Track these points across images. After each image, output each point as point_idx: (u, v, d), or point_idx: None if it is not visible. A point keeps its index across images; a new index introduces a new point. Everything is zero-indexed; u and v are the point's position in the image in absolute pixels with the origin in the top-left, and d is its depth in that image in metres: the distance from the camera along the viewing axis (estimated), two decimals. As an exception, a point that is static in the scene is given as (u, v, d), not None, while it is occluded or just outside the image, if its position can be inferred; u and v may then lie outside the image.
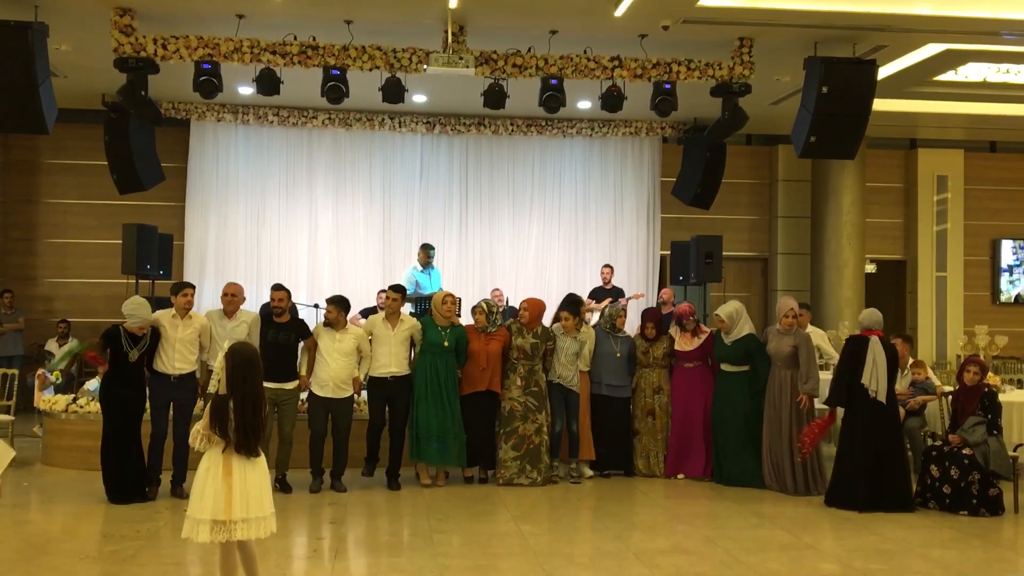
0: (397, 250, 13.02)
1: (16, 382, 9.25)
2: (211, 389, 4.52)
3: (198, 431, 4.38)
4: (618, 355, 8.43)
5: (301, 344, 7.91)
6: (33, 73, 8.10)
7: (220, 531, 4.31)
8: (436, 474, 8.03)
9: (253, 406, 4.35)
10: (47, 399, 8.89)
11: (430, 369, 7.91)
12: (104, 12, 8.69)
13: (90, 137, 12.03)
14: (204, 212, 12.75)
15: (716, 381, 8.36)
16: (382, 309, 10.53)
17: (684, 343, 8.52)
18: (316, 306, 10.02)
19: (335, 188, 12.98)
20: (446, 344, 7.95)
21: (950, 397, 8.20)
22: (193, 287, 7.58)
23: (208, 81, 9.04)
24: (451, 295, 8.25)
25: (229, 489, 4.31)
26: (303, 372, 7.76)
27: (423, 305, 9.91)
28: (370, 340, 7.96)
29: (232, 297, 7.62)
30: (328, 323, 7.80)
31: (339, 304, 7.83)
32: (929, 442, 8.02)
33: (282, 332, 7.56)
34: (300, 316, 11.19)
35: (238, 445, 4.32)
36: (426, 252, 11.22)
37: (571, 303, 8.39)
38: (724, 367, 8.31)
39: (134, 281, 10.99)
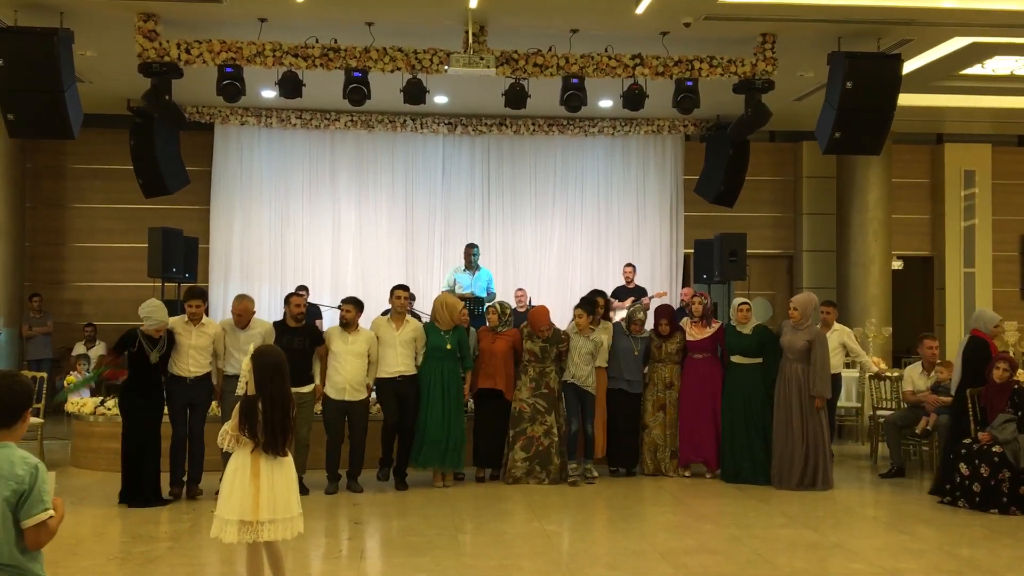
0: (420, 251, 13.05)
1: (45, 385, 9.34)
2: (239, 391, 4.55)
3: (227, 432, 4.41)
4: (636, 352, 8.42)
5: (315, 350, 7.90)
6: (59, 79, 8.19)
7: (247, 532, 4.34)
8: (445, 475, 8.06)
9: (281, 406, 4.38)
10: (75, 402, 8.99)
11: (435, 374, 7.92)
12: (128, 18, 8.76)
13: (116, 142, 12.15)
14: (228, 215, 12.84)
15: (727, 374, 8.33)
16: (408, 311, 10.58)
17: (695, 332, 8.49)
18: (339, 307, 10.06)
19: (358, 190, 13.03)
20: (449, 347, 7.97)
21: (979, 395, 8.11)
22: (201, 299, 7.51)
23: (231, 85, 9.09)
24: (461, 302, 8.26)
25: (257, 490, 4.34)
26: (317, 381, 7.77)
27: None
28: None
29: (239, 317, 7.58)
30: (345, 323, 7.82)
31: (356, 304, 7.88)
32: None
33: (296, 338, 7.54)
34: (323, 317, 11.33)
35: (266, 445, 4.35)
36: (467, 252, 11.20)
37: (586, 301, 8.39)
38: (736, 359, 8.27)
39: (160, 284, 11.08)
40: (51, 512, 2.91)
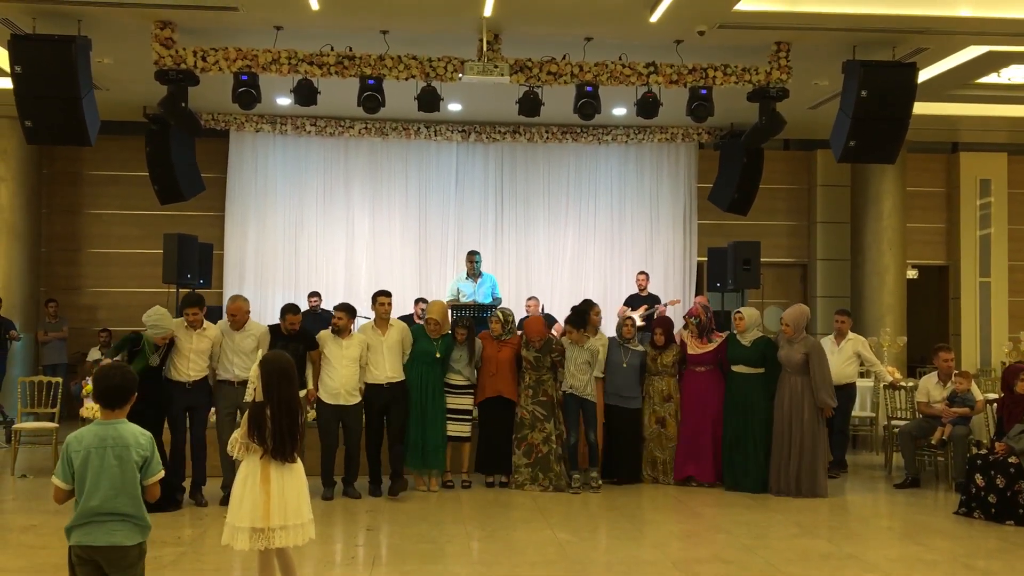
0: (433, 258, 13.07)
1: (60, 390, 9.40)
2: (247, 398, 4.58)
3: (236, 440, 4.43)
4: (624, 365, 8.41)
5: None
6: (76, 86, 8.25)
7: (259, 538, 4.34)
8: (430, 479, 8.16)
9: (289, 412, 4.39)
10: (90, 407, 9.03)
11: (420, 379, 8.05)
12: (145, 25, 8.83)
13: (132, 148, 12.23)
14: (243, 221, 12.89)
15: (728, 384, 8.31)
16: (419, 319, 10.58)
17: (696, 346, 8.46)
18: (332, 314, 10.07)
19: (372, 197, 13.06)
20: (438, 355, 8.09)
21: (995, 405, 8.07)
22: (198, 306, 7.50)
23: (247, 92, 9.14)
24: (436, 319, 8.21)
25: (267, 497, 4.35)
26: (310, 385, 7.82)
27: (456, 313, 9.91)
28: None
29: (233, 317, 7.65)
30: (337, 330, 7.86)
31: (348, 311, 7.94)
32: (974, 451, 7.89)
33: (291, 344, 7.55)
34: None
35: (274, 451, 4.36)
36: (469, 260, 11.20)
37: (576, 316, 8.38)
38: (738, 369, 8.25)
39: (175, 290, 11.14)
40: (163, 472, 3.76)
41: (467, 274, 11.11)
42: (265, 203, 12.92)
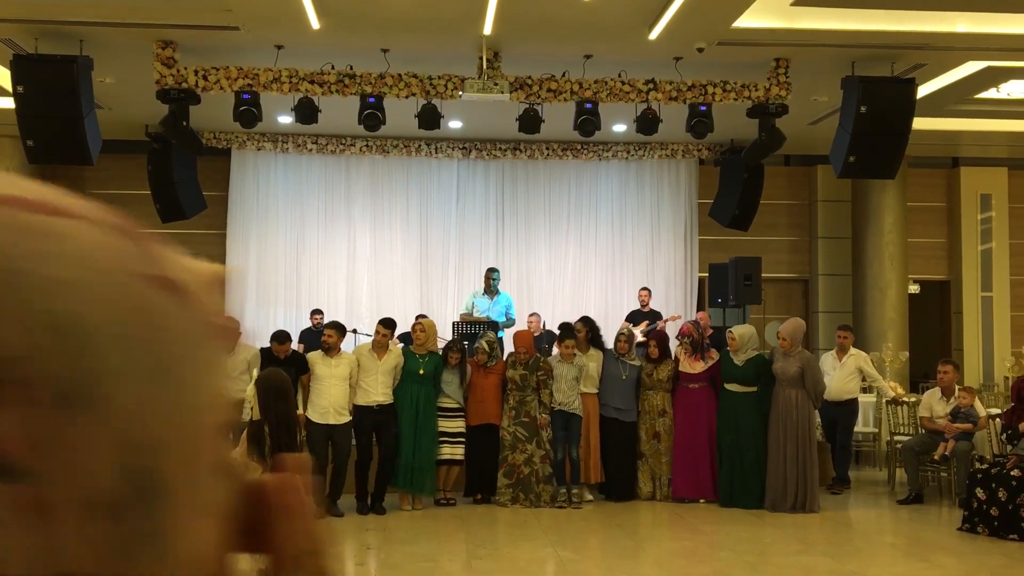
0: (434, 275, 13.07)
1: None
2: (244, 417, 4.58)
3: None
4: (624, 378, 8.44)
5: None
6: (78, 106, 8.28)
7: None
8: (414, 499, 8.17)
9: (287, 428, 4.41)
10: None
11: (410, 398, 8.09)
12: (146, 45, 8.86)
13: (134, 167, 12.25)
14: (245, 239, 12.92)
15: (720, 401, 8.31)
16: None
17: (690, 365, 8.46)
18: (354, 331, 10.10)
19: (373, 214, 13.09)
20: (422, 372, 8.11)
21: (998, 420, 8.07)
22: None
23: (248, 111, 9.17)
24: (421, 323, 8.38)
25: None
26: (300, 408, 7.80)
27: (461, 329, 9.90)
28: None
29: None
30: (327, 347, 7.88)
31: (338, 329, 8.01)
32: (977, 465, 7.86)
33: (282, 368, 7.60)
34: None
35: (273, 468, 4.35)
36: (487, 277, 11.22)
37: (566, 331, 8.50)
38: (731, 387, 8.25)
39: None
40: None
41: (484, 290, 11.14)
42: (267, 221, 12.94)
